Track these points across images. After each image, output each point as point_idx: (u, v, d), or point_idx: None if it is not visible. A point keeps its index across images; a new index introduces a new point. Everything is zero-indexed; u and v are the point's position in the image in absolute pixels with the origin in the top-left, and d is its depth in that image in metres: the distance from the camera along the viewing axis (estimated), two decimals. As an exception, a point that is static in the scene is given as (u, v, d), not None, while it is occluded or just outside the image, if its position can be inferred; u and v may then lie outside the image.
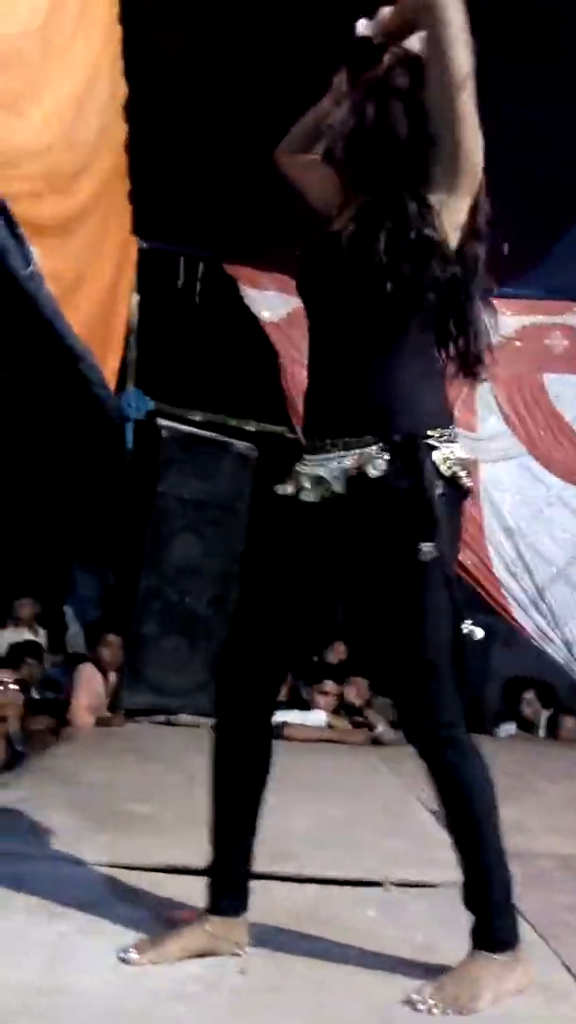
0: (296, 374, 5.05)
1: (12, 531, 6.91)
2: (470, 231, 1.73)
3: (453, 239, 1.70)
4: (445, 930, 1.99)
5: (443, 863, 2.42)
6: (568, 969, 1.82)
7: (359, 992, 1.68)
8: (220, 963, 1.74)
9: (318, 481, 1.73)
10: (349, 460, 1.68)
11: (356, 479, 1.67)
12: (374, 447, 1.67)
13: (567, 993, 1.71)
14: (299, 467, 1.77)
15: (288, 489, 1.77)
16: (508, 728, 5.18)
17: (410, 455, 1.65)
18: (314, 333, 1.81)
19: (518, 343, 5.43)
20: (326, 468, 1.71)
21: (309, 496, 1.73)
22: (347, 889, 2.25)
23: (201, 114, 4.08)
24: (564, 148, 3.95)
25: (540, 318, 5.45)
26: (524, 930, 2.00)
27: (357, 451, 1.68)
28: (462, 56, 1.60)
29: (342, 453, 1.69)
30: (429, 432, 1.67)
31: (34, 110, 2.77)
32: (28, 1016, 1.49)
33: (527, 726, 5.25)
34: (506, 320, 5.42)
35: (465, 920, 2.00)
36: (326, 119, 1.86)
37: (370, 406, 1.70)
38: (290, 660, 1.95)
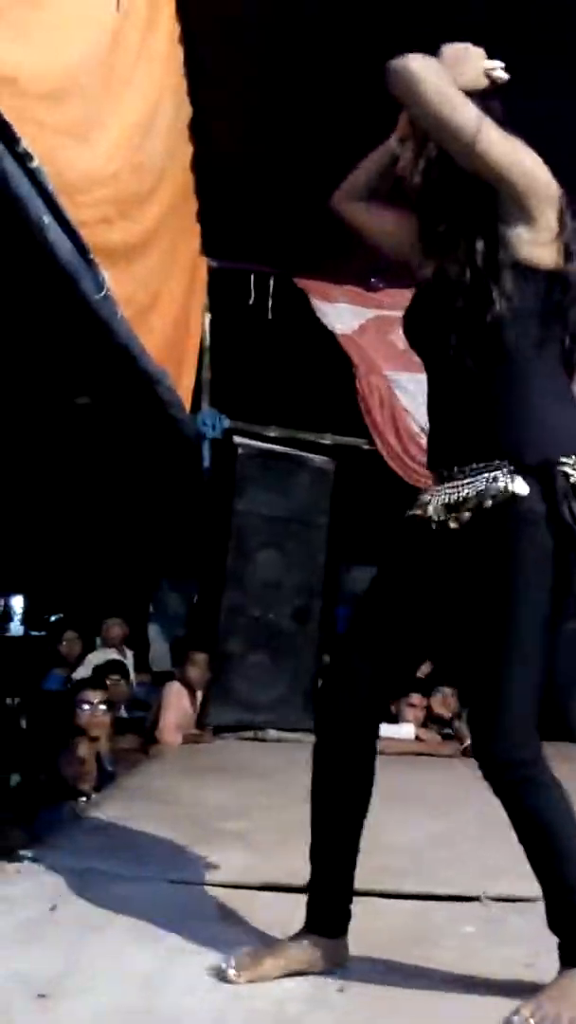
0: (373, 383, 5.03)
1: (97, 553, 7.04)
2: (564, 249, 1.68)
3: (548, 260, 1.68)
4: (545, 945, 1.93)
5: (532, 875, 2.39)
6: None
7: (458, 1011, 1.64)
8: (320, 982, 1.71)
9: (450, 508, 1.69)
10: (482, 484, 1.65)
11: (490, 504, 1.63)
12: (506, 471, 1.63)
13: None
14: (427, 495, 1.75)
15: (417, 512, 1.74)
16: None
17: (544, 479, 1.61)
18: (433, 370, 1.79)
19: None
20: (458, 494, 1.68)
21: (439, 519, 1.70)
22: (445, 905, 2.21)
23: (265, 129, 4.11)
24: (572, 141, 3.88)
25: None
26: None
27: (488, 474, 1.64)
28: (458, 119, 1.61)
29: (471, 480, 1.66)
30: (563, 458, 1.62)
31: (100, 137, 2.82)
32: (129, 1038, 1.48)
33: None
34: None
35: None
36: (393, 162, 1.84)
37: (500, 432, 1.67)
38: (400, 680, 1.93)
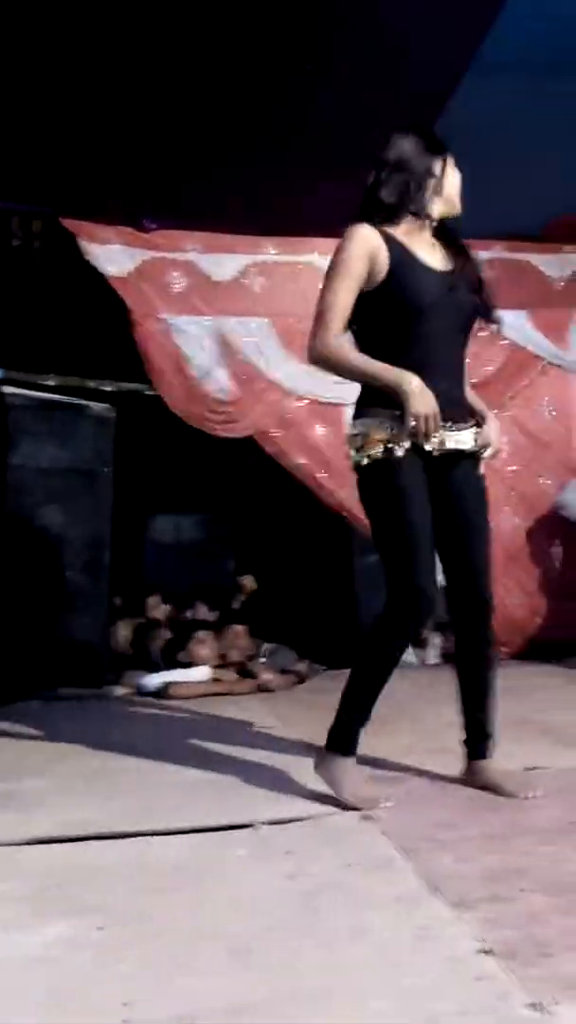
0: (150, 327, 4.94)
1: None
2: None
3: None
4: (306, 857, 2.01)
5: (311, 797, 2.47)
6: (422, 878, 1.83)
7: (217, 930, 1.67)
8: (82, 924, 1.70)
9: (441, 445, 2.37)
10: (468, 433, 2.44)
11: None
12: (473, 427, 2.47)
13: (420, 902, 1.73)
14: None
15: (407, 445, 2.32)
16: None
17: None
18: (432, 338, 2.40)
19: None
20: (452, 438, 2.39)
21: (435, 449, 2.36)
22: (218, 835, 2.24)
23: (25, 64, 3.90)
24: (398, 84, 3.97)
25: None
26: (384, 846, 2.05)
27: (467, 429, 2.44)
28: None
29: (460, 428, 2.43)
30: None
31: None
32: None
33: (421, 643, 5.29)
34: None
35: (329, 843, 2.09)
36: None
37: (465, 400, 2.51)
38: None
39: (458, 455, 2.42)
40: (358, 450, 2.37)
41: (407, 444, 2.31)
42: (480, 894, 1.75)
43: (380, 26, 3.67)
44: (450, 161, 2.48)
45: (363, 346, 2.42)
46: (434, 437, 2.32)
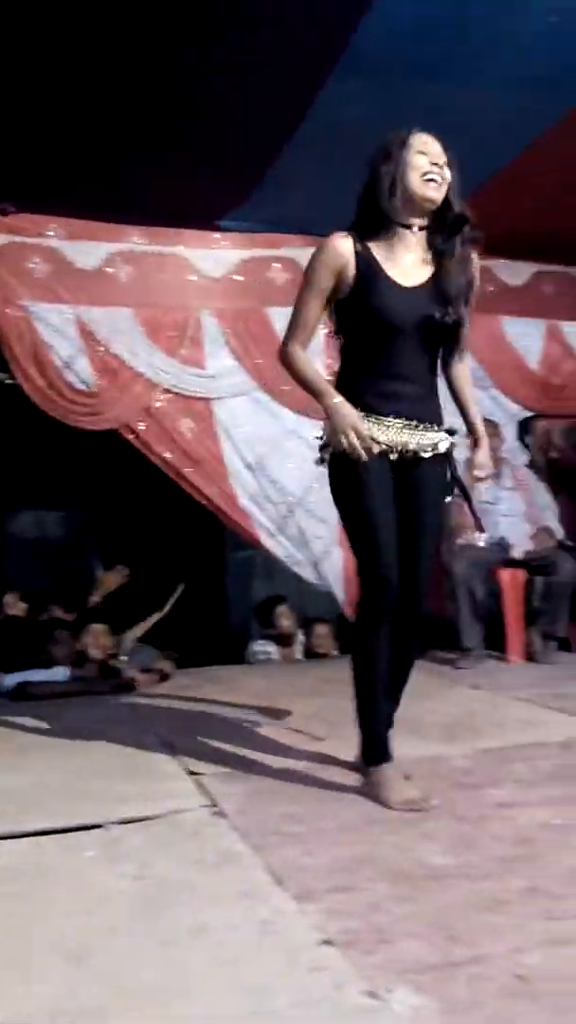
0: (10, 315, 4.78)
1: None
2: None
3: None
4: (152, 856, 1.97)
5: (164, 795, 2.43)
6: (268, 872, 1.82)
7: (55, 933, 1.61)
8: None
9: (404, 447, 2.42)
10: (432, 437, 2.45)
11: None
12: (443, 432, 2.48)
13: (266, 897, 1.72)
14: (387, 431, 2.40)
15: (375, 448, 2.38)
16: (264, 648, 5.24)
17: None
18: (398, 347, 2.41)
19: (240, 277, 5.40)
20: (414, 441, 2.42)
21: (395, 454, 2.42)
22: (68, 836, 2.17)
23: None
24: (267, 79, 3.97)
25: (259, 251, 5.43)
26: (233, 841, 2.03)
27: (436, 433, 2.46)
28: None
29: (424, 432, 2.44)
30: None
31: None
32: None
33: (285, 640, 5.31)
34: (226, 254, 5.39)
35: (179, 841, 2.07)
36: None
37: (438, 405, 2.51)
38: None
39: (422, 456, 2.45)
40: (322, 448, 2.46)
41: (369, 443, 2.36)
42: (324, 885, 1.75)
43: (247, 22, 3.66)
44: (408, 159, 2.33)
45: (344, 353, 2.50)
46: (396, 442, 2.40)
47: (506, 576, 4.90)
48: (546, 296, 6.06)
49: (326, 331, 2.58)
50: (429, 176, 2.32)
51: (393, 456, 2.41)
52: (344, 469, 2.40)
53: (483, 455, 2.60)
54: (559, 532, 5.06)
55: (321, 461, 2.48)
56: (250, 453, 5.42)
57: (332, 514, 5.53)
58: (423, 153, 2.34)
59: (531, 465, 5.43)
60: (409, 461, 2.43)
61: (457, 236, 2.40)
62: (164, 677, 4.47)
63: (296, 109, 4.21)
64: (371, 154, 2.39)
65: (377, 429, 2.38)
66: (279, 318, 5.45)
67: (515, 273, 5.98)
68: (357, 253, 2.36)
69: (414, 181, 2.32)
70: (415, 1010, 1.26)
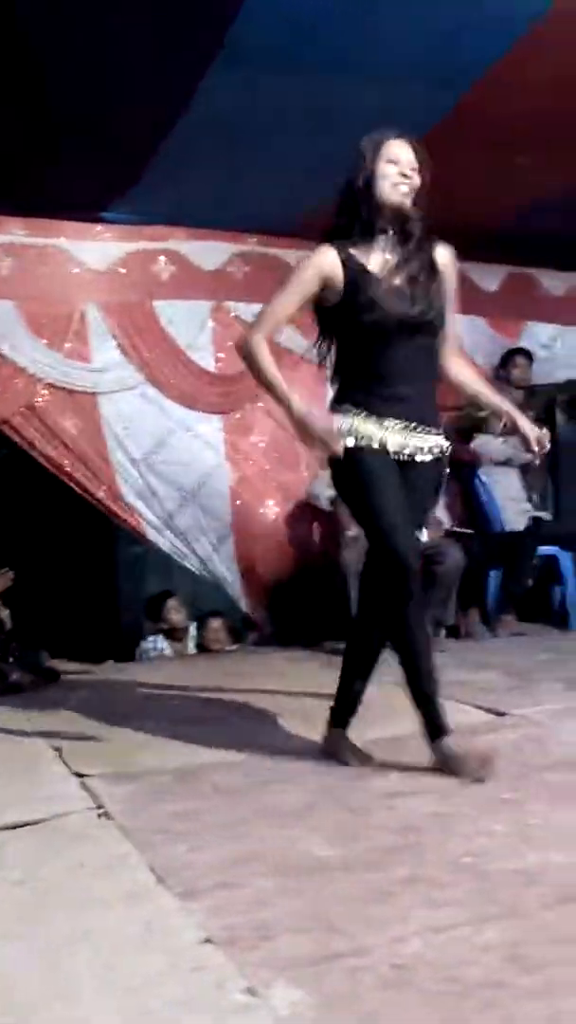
0: None
1: None
2: None
3: None
4: (36, 862, 1.93)
5: (49, 798, 2.38)
6: (153, 872, 1.80)
7: None
8: None
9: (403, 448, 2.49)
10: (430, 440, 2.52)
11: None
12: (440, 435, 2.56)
13: (151, 897, 1.70)
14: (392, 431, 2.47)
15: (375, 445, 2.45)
16: (156, 645, 5.18)
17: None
18: (393, 349, 2.47)
19: (124, 270, 5.32)
20: (413, 442, 2.49)
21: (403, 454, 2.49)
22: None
23: None
24: (144, 67, 3.91)
25: (145, 244, 5.36)
26: (118, 842, 2.01)
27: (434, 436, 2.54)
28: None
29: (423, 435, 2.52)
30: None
31: None
32: None
33: (176, 635, 5.25)
34: (110, 247, 5.30)
35: (63, 845, 2.02)
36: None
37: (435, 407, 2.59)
38: None
39: (415, 460, 2.52)
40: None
41: (367, 441, 2.44)
42: (209, 883, 1.74)
43: (126, 10, 3.60)
44: (379, 168, 2.44)
45: (339, 359, 2.56)
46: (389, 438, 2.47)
47: (395, 566, 4.96)
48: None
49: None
50: (398, 184, 2.44)
51: (393, 456, 2.48)
52: (351, 467, 2.46)
53: (526, 425, 2.61)
54: (447, 522, 5.17)
55: (328, 462, 2.55)
56: (137, 448, 5.36)
57: (224, 508, 5.61)
58: (393, 162, 2.45)
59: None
60: (407, 462, 2.50)
61: (426, 237, 2.52)
62: (54, 678, 4.38)
63: (177, 100, 4.16)
64: (350, 164, 2.48)
65: (379, 431, 2.45)
66: (166, 312, 5.42)
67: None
68: (344, 262, 2.46)
69: (384, 189, 2.44)
70: (293, 1005, 1.26)
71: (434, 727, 2.45)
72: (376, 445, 2.45)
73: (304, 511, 5.62)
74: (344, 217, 2.50)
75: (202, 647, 5.28)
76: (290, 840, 1.98)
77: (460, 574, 4.95)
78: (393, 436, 2.47)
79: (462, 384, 2.69)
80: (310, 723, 2.98)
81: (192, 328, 5.46)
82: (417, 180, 2.46)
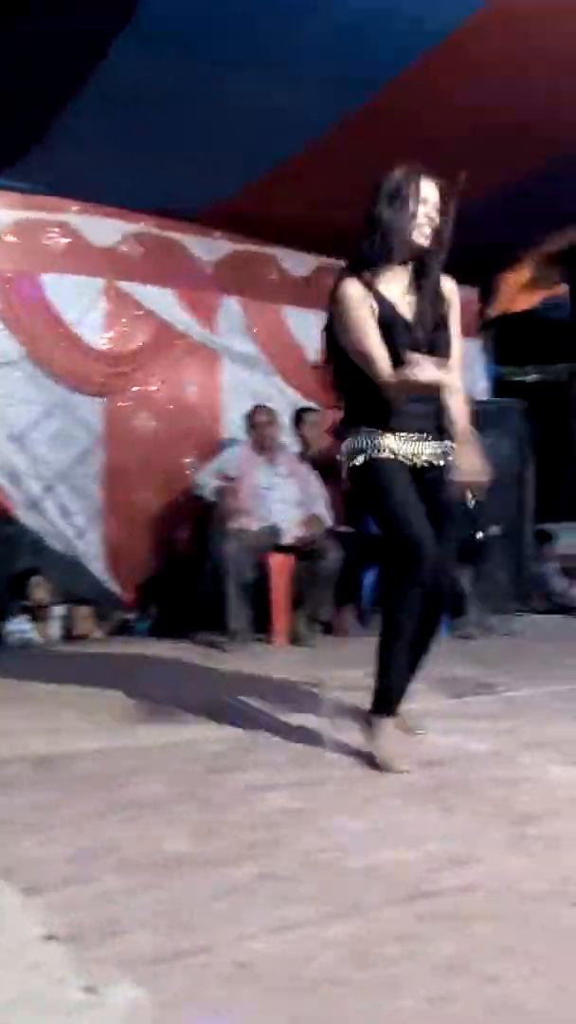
0: None
1: None
2: None
3: None
4: None
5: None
6: (1, 867, 1.74)
7: None
8: None
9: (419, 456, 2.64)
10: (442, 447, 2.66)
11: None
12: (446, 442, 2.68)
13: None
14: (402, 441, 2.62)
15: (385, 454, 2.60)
16: (21, 627, 5.03)
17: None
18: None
19: (12, 238, 5.15)
20: (427, 451, 2.64)
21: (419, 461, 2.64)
22: None
23: None
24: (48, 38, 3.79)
25: (36, 214, 5.20)
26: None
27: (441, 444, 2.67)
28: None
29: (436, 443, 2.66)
30: None
31: None
32: None
33: (40, 613, 5.11)
34: (-1, 214, 5.13)
35: None
36: None
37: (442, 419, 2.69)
38: None
39: (433, 464, 2.66)
40: (349, 457, 2.64)
41: (384, 452, 2.59)
42: (55, 877, 1.69)
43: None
44: (409, 208, 2.56)
45: (349, 381, 2.67)
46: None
47: (275, 561, 4.98)
48: (327, 289, 6.19)
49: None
50: (424, 225, 2.58)
51: (411, 463, 2.62)
52: (370, 474, 2.61)
53: (464, 468, 2.68)
54: (328, 520, 5.21)
55: (349, 471, 2.66)
56: (13, 425, 5.21)
57: (94, 490, 5.51)
58: (422, 203, 2.58)
59: (303, 454, 5.55)
60: (423, 468, 2.65)
61: (434, 268, 2.66)
62: None
63: (78, 71, 4.05)
64: (373, 197, 2.58)
65: (397, 443, 2.60)
66: (53, 284, 5.28)
67: (299, 264, 6.08)
68: (368, 288, 2.59)
69: (413, 228, 2.58)
70: (131, 1003, 1.23)
71: (376, 704, 2.59)
72: (389, 454, 2.61)
73: (185, 501, 5.57)
74: (368, 244, 2.61)
75: (70, 634, 5.17)
76: (146, 835, 1.94)
77: (339, 572, 5.01)
78: (407, 446, 2.62)
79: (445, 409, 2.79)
80: (172, 714, 2.96)
81: (81, 304, 5.34)
82: (439, 221, 2.61)
